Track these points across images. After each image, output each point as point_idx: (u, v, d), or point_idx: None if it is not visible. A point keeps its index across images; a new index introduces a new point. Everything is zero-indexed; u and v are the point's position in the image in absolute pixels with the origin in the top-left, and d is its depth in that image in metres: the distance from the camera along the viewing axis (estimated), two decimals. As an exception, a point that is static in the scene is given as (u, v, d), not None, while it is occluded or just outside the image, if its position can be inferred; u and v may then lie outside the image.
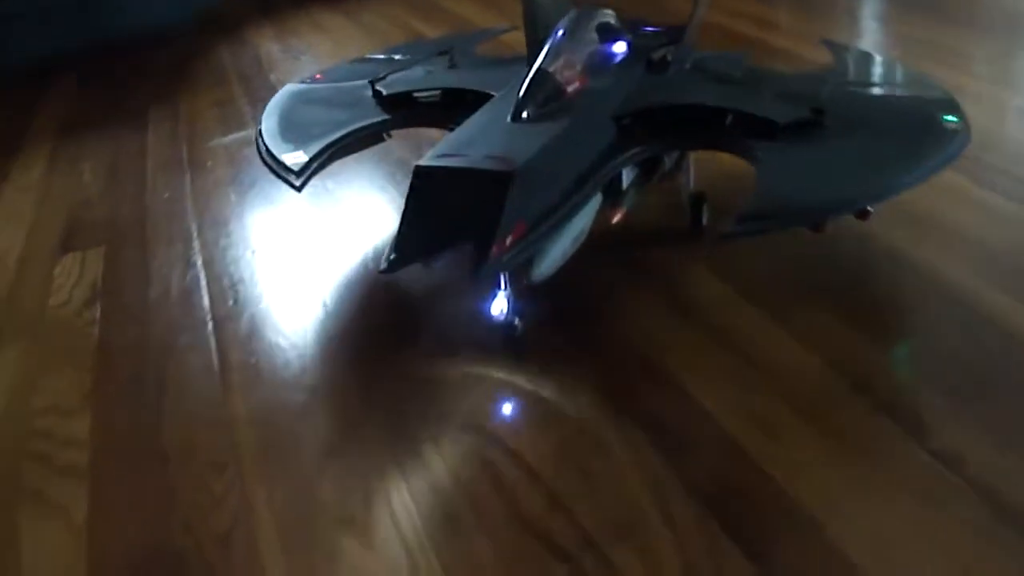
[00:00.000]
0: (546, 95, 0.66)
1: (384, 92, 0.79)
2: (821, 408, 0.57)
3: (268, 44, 1.64)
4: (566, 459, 0.56)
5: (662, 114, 0.68)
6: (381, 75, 0.83)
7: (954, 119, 0.65)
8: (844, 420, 0.56)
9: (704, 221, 0.76)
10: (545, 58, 0.67)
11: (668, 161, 0.73)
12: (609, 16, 0.76)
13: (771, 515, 0.50)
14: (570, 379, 0.63)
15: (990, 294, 0.64)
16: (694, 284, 0.71)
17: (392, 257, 0.60)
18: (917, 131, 0.65)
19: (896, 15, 1.25)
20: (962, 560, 0.46)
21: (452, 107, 0.75)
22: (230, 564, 0.54)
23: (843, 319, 0.64)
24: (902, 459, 0.52)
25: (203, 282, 0.85)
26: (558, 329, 0.68)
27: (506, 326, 0.66)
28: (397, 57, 0.93)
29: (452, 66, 0.87)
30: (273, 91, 0.89)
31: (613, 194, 0.68)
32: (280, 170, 0.74)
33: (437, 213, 0.60)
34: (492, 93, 0.72)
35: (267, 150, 0.76)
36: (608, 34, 0.75)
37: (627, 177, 0.68)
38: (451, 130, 0.67)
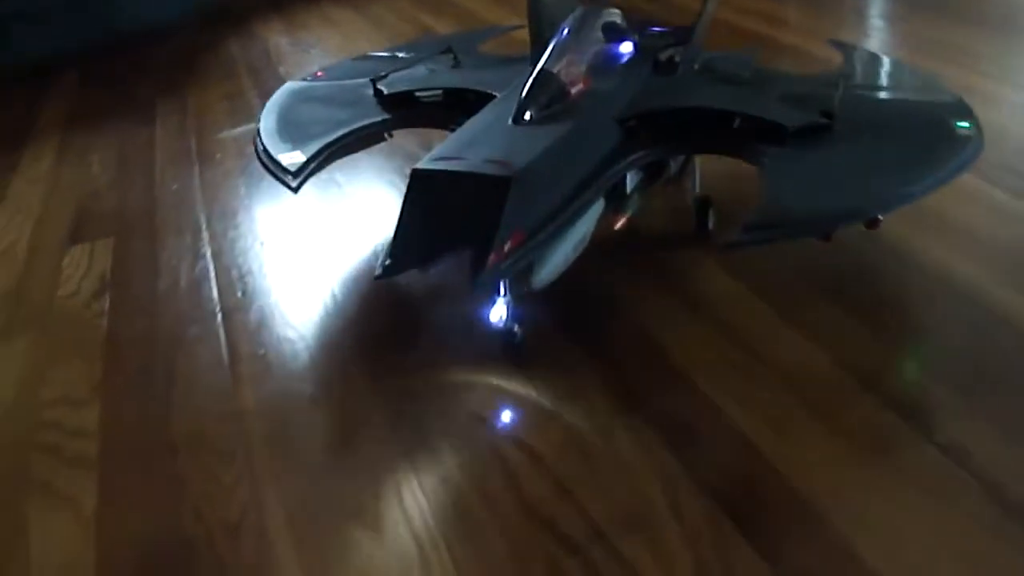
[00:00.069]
0: (549, 96, 0.64)
1: (385, 91, 0.79)
2: (830, 405, 0.57)
3: (277, 37, 1.64)
4: (576, 454, 0.56)
5: (668, 117, 0.66)
6: (383, 73, 0.82)
7: (966, 125, 0.63)
8: (853, 417, 0.56)
9: (710, 225, 0.75)
10: (549, 58, 0.66)
11: (673, 165, 0.72)
12: (615, 15, 0.74)
13: (781, 511, 0.50)
14: (579, 376, 0.63)
15: (998, 291, 0.64)
16: (703, 280, 0.71)
17: (387, 263, 0.59)
18: (929, 137, 0.63)
19: (904, 13, 1.24)
20: (970, 555, 0.46)
21: (454, 107, 0.74)
22: (240, 554, 0.54)
23: (852, 316, 0.64)
24: (911, 455, 0.52)
25: (212, 273, 0.85)
26: (564, 328, 0.68)
27: (505, 333, 0.64)
28: (400, 55, 0.92)
29: (455, 65, 0.86)
30: (282, 84, 0.89)
31: (616, 199, 0.67)
32: (277, 170, 0.73)
33: (434, 218, 0.59)
34: (494, 93, 0.71)
35: (264, 150, 0.75)
36: (614, 34, 0.73)
37: (631, 181, 0.67)
38: (452, 131, 0.66)
